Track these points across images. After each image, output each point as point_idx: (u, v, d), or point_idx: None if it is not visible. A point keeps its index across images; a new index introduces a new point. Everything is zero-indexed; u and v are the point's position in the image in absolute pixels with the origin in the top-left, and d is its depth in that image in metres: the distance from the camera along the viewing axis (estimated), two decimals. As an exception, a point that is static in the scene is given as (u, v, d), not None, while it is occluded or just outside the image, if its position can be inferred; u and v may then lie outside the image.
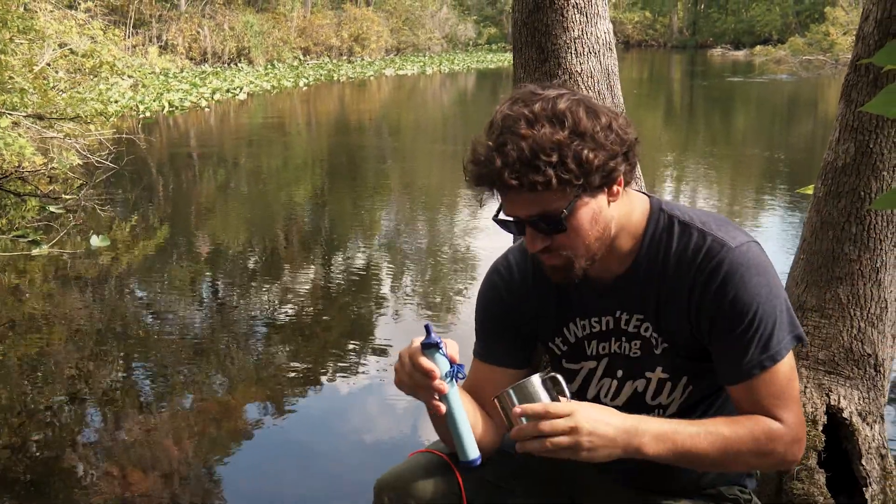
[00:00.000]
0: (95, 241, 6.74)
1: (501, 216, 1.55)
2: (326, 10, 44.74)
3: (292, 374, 4.34)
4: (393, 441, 3.68)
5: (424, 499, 1.64)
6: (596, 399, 1.73)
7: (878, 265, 2.61)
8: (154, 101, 17.93)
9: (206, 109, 18.94)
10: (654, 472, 1.61)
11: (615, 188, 1.53)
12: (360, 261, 6.74)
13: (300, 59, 38.15)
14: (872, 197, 2.57)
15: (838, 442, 2.55)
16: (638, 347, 1.67)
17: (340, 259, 6.84)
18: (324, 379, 4.30)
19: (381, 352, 4.69)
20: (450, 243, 7.29)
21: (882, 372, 2.66)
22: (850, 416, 2.54)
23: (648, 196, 1.67)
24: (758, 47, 44.09)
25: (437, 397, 1.49)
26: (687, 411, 1.68)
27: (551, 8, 2.83)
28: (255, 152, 13.05)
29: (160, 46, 30.66)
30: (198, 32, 34.03)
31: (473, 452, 1.50)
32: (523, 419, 1.46)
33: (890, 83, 2.41)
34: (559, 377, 1.53)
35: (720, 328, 1.54)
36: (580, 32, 2.85)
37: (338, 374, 4.37)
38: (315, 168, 11.98)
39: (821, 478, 2.44)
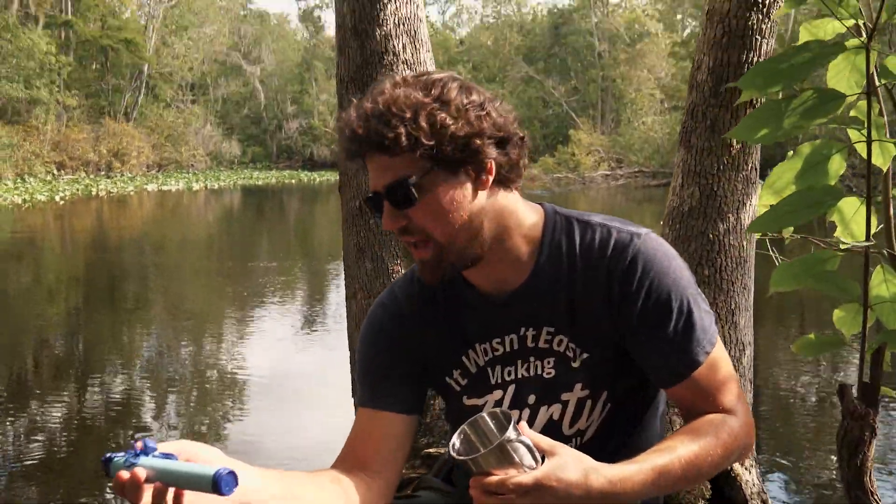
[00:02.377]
0: None
1: (367, 195, 1.46)
2: (83, 125, 43.14)
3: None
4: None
5: None
6: None
7: (732, 307, 2.67)
8: None
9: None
10: None
11: (484, 176, 1.43)
12: (118, 388, 6.34)
13: (54, 174, 36.33)
14: (721, 240, 2.65)
15: (719, 490, 2.53)
16: (552, 366, 1.53)
17: (96, 386, 6.40)
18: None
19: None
20: (216, 367, 7.02)
21: None
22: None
23: (541, 204, 1.58)
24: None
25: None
26: (604, 438, 1.55)
27: (380, 63, 2.86)
28: (2, 269, 12.14)
29: None
30: (-63, 144, 31.69)
31: (211, 468, 1.15)
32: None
33: (725, 127, 2.64)
34: (524, 431, 1.30)
35: (650, 323, 1.44)
36: None
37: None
38: (70, 288, 11.27)
39: None
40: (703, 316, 1.46)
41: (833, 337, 1.91)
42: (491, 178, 1.43)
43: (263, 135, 62.43)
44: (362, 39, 2.92)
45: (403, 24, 2.94)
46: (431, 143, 1.36)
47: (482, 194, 1.44)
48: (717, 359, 1.47)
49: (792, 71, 1.63)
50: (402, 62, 2.88)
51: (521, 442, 1.28)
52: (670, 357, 1.45)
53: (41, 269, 12.67)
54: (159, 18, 53.25)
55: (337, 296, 10.11)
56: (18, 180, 31.95)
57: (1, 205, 22.00)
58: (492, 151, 1.41)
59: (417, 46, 2.97)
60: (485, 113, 1.40)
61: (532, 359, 1.54)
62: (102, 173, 40.03)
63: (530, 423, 1.54)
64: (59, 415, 5.71)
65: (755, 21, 2.64)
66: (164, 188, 32.66)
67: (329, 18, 65.30)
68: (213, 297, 10.71)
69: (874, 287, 1.73)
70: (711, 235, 2.68)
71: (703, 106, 2.72)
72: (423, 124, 1.35)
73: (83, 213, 23.03)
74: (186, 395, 6.35)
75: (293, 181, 41.69)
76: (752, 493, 2.56)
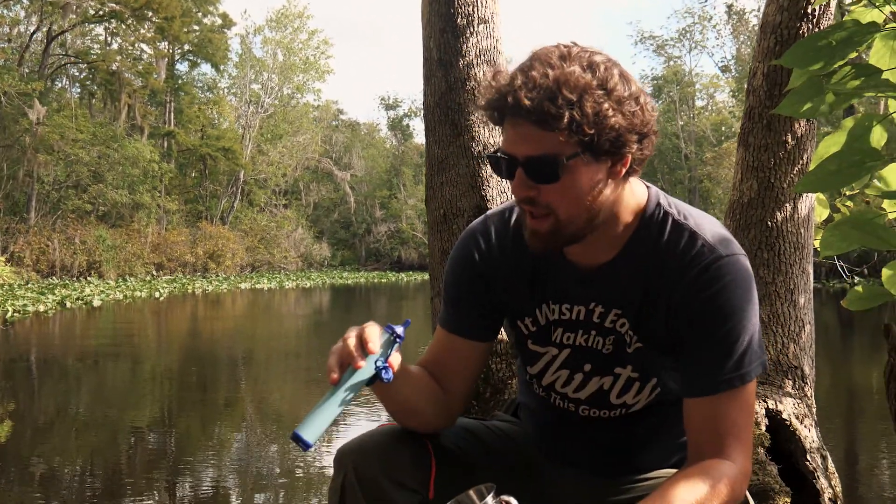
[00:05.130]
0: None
1: (497, 153, 1.45)
2: (182, 228, 44.92)
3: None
4: None
5: (393, 460, 1.55)
6: (551, 387, 1.68)
7: (791, 287, 2.83)
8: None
9: (51, 316, 18.23)
10: (620, 462, 1.66)
11: (619, 167, 1.45)
12: (206, 487, 6.29)
13: (153, 275, 37.75)
14: (779, 226, 2.83)
15: (779, 445, 2.60)
16: (611, 343, 1.60)
17: (187, 487, 6.35)
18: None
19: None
20: (303, 463, 6.95)
21: (808, 383, 2.82)
22: (790, 419, 2.64)
23: (648, 186, 1.61)
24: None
25: (342, 368, 1.45)
26: (647, 412, 1.64)
27: (463, 88, 3.17)
28: (101, 364, 12.54)
29: (6, 259, 29.78)
30: (47, 245, 33.36)
31: (312, 436, 1.41)
32: None
33: (780, 126, 2.86)
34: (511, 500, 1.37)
35: (698, 335, 1.48)
36: None
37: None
38: (164, 384, 11.40)
39: (773, 468, 2.46)
40: (750, 352, 1.47)
41: (880, 289, 1.99)
42: (624, 171, 1.46)
43: (353, 238, 63.88)
44: (446, 69, 3.20)
45: (483, 55, 3.22)
46: (591, 132, 1.36)
47: (612, 183, 1.47)
48: (745, 400, 1.48)
49: (831, 49, 1.74)
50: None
51: None
52: (702, 371, 1.48)
53: (138, 365, 13.03)
54: (255, 128, 55.65)
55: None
56: (120, 280, 33.32)
57: (104, 301, 22.92)
58: (633, 146, 1.43)
59: None
60: (639, 107, 1.41)
61: (593, 332, 1.61)
62: (198, 274, 41.42)
63: (581, 389, 1.66)
64: None
65: (805, 31, 2.83)
66: (258, 286, 33.57)
67: (418, 126, 67.15)
68: (300, 400, 10.82)
69: (920, 244, 1.82)
70: (769, 223, 2.85)
71: (759, 108, 2.92)
72: (588, 111, 1.35)
73: (179, 308, 23.78)
74: (274, 493, 6.30)
75: (382, 280, 42.27)
76: (810, 446, 2.62)
